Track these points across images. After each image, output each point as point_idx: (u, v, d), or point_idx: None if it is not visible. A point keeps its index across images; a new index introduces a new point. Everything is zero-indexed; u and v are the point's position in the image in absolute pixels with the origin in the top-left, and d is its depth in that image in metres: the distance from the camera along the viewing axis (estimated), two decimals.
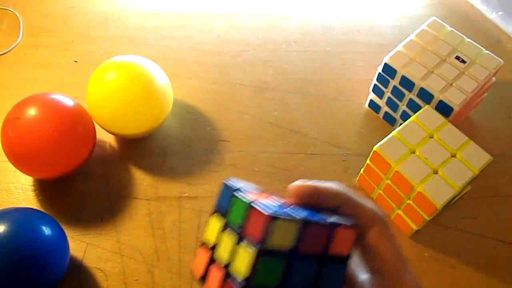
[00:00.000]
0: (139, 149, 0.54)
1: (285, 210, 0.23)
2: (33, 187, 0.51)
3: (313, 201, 0.25)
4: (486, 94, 0.57)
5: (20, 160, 0.46)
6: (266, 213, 0.22)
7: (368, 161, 0.48)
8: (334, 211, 0.25)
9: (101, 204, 0.50)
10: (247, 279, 0.22)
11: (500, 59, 0.52)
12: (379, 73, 0.53)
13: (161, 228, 0.49)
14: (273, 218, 0.22)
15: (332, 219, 0.24)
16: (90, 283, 0.45)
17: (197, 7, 0.68)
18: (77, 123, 0.47)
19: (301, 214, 0.23)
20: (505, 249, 0.49)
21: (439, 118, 0.48)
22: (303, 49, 0.64)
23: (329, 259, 0.24)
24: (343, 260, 0.24)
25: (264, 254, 0.22)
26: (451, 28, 0.54)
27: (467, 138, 0.47)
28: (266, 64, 0.62)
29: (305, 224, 0.23)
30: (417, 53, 0.52)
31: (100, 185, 0.51)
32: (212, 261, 0.25)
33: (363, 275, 0.26)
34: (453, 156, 0.46)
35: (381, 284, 0.24)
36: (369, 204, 0.25)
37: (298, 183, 0.25)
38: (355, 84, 0.60)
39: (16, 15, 0.65)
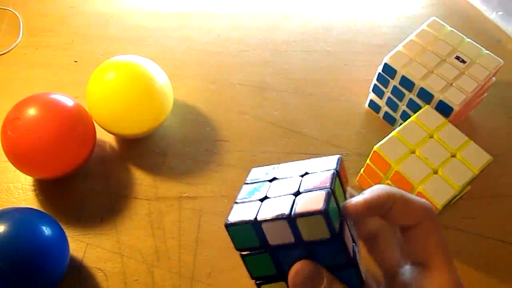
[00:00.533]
0: (139, 149, 0.54)
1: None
2: (33, 187, 0.51)
3: (370, 215, 0.25)
4: (486, 94, 0.56)
5: (20, 160, 0.46)
6: (225, 222, 0.24)
7: (368, 161, 0.48)
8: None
9: (101, 204, 0.50)
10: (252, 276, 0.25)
11: (500, 59, 0.52)
12: (379, 73, 0.53)
13: (161, 228, 0.49)
14: (228, 225, 0.24)
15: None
16: (90, 283, 0.45)
17: (197, 7, 0.68)
18: (77, 123, 0.47)
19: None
20: (505, 249, 0.49)
21: (439, 118, 0.48)
22: (303, 49, 0.64)
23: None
24: (350, 265, 0.25)
25: (245, 256, 0.25)
26: (451, 28, 0.54)
27: (467, 138, 0.47)
28: (266, 64, 0.62)
29: (256, 223, 0.24)
30: (417, 53, 0.52)
31: (100, 185, 0.51)
32: None
33: (405, 266, 0.26)
34: (453, 156, 0.46)
35: (425, 275, 0.25)
36: (418, 198, 0.25)
37: (354, 202, 0.25)
38: (355, 84, 0.60)
39: (16, 15, 0.65)
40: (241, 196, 0.26)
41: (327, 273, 0.24)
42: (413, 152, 0.46)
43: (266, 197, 0.25)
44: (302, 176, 0.26)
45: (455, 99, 0.48)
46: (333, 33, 0.66)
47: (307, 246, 0.24)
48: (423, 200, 0.26)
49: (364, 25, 0.67)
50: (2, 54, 0.61)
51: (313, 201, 0.23)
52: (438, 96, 0.49)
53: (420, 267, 0.25)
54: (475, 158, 0.45)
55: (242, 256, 0.25)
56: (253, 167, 0.29)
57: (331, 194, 0.24)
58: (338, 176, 0.26)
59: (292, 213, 0.23)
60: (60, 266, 0.42)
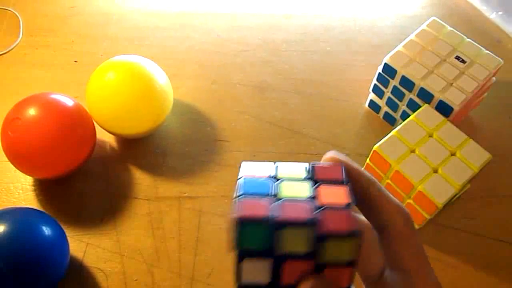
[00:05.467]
0: (139, 149, 0.54)
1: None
2: (33, 187, 0.51)
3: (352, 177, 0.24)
4: (486, 94, 0.57)
5: (20, 160, 0.46)
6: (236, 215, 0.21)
7: (368, 160, 0.48)
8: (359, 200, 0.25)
9: (101, 204, 0.50)
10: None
11: (500, 59, 0.52)
12: (379, 73, 0.53)
13: (161, 228, 0.49)
14: (241, 220, 0.21)
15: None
16: (90, 283, 0.45)
17: (197, 7, 0.68)
18: (77, 123, 0.47)
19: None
20: (505, 249, 0.49)
21: (438, 116, 0.48)
22: (303, 49, 0.64)
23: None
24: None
25: (243, 258, 0.21)
26: (451, 28, 0.54)
27: (466, 136, 0.47)
28: (266, 64, 0.62)
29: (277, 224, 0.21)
30: (417, 53, 0.52)
31: (100, 185, 0.51)
32: None
33: (386, 271, 0.26)
34: (453, 154, 0.46)
35: (404, 280, 0.24)
36: (394, 199, 0.25)
37: (332, 154, 0.24)
38: (355, 84, 0.60)
39: (16, 15, 0.65)
40: (243, 191, 0.22)
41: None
42: (413, 151, 0.46)
43: (278, 197, 0.22)
44: (313, 182, 0.23)
45: (455, 99, 0.49)
46: (333, 33, 0.66)
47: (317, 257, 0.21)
48: (398, 201, 0.25)
49: (364, 25, 0.67)
50: (2, 54, 0.61)
51: (341, 220, 0.21)
52: (438, 96, 0.49)
53: (400, 272, 0.24)
54: (474, 156, 0.46)
55: (240, 258, 0.21)
56: (243, 161, 0.25)
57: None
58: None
59: (321, 229, 0.21)
60: (60, 266, 0.42)
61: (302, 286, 0.22)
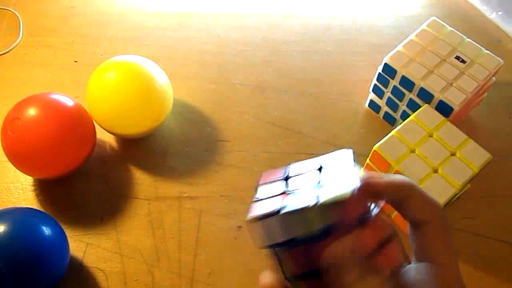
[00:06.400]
0: (139, 149, 0.54)
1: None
2: (33, 187, 0.51)
3: (376, 197, 0.26)
4: (486, 94, 0.57)
5: (20, 160, 0.46)
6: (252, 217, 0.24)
7: (368, 160, 0.48)
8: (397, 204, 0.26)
9: (101, 204, 0.50)
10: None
11: (500, 59, 0.52)
12: (379, 73, 0.53)
13: (161, 228, 0.49)
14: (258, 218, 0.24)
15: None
16: (90, 283, 0.45)
17: (197, 7, 0.68)
18: (77, 123, 0.47)
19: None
20: (505, 249, 0.49)
21: (438, 116, 0.48)
22: (303, 49, 0.64)
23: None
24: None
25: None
26: (451, 28, 0.54)
27: (466, 136, 0.47)
28: (266, 64, 0.62)
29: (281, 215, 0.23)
30: (417, 53, 0.52)
31: (100, 185, 0.51)
32: None
33: (407, 265, 0.27)
34: (453, 154, 0.46)
35: (433, 272, 0.25)
36: (432, 197, 0.26)
37: (375, 178, 0.26)
38: (355, 84, 0.60)
39: (16, 15, 0.65)
40: (256, 197, 0.26)
41: None
42: (413, 151, 0.46)
43: (287, 192, 0.25)
44: (319, 170, 0.26)
45: (455, 99, 0.49)
46: (333, 33, 0.66)
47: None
48: (434, 199, 0.26)
49: (364, 25, 0.67)
50: (2, 54, 0.61)
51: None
52: (438, 96, 0.49)
53: (427, 265, 0.26)
54: (474, 156, 0.46)
55: (276, 251, 0.24)
56: (264, 172, 0.28)
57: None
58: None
59: (316, 202, 0.23)
60: (60, 266, 0.42)
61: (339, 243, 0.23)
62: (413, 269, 0.26)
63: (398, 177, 0.26)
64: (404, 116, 0.54)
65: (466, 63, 0.51)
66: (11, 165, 0.48)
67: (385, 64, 0.52)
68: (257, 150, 0.55)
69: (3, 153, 0.47)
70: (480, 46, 0.53)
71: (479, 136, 0.49)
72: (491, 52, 0.52)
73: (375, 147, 0.46)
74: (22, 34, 0.64)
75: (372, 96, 0.57)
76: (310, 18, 0.68)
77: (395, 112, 0.55)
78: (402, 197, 0.26)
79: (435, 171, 0.45)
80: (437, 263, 0.25)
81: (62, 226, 0.44)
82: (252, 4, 0.69)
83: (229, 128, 0.56)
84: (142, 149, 0.54)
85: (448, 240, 0.26)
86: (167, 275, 0.46)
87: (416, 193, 0.26)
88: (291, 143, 0.55)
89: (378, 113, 0.58)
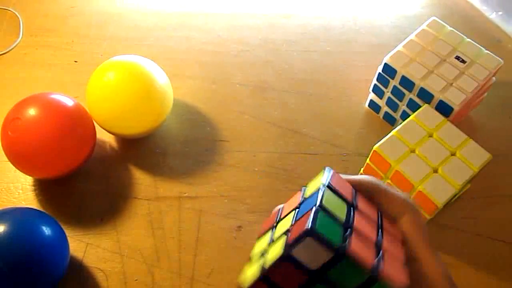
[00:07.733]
0: (139, 149, 0.54)
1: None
2: (33, 187, 0.51)
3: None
4: (486, 94, 0.57)
5: (20, 160, 0.46)
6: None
7: (368, 160, 0.48)
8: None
9: (101, 204, 0.50)
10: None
11: (500, 59, 0.52)
12: (379, 73, 0.53)
13: (161, 228, 0.49)
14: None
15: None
16: (90, 283, 0.45)
17: (197, 7, 0.68)
18: (77, 123, 0.47)
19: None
20: (505, 249, 0.49)
21: (438, 116, 0.48)
22: (303, 49, 0.64)
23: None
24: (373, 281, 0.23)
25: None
26: (451, 28, 0.54)
27: (466, 136, 0.47)
28: (266, 64, 0.62)
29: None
30: (417, 53, 0.52)
31: (100, 185, 0.51)
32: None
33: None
34: (453, 154, 0.46)
35: (414, 269, 0.25)
36: (400, 193, 0.27)
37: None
38: (355, 84, 0.60)
39: (16, 15, 0.65)
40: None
41: None
42: (413, 151, 0.46)
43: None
44: (299, 204, 0.25)
45: (455, 99, 0.49)
46: (333, 33, 0.66)
47: (322, 276, 0.22)
48: (405, 195, 0.27)
49: (364, 25, 0.67)
50: (2, 54, 0.61)
51: (302, 224, 0.22)
52: (438, 96, 0.49)
53: (412, 262, 0.25)
54: (474, 156, 0.46)
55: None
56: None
57: (318, 211, 0.22)
58: (332, 189, 0.25)
59: (287, 247, 0.22)
60: (60, 266, 0.42)
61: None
62: None
63: (363, 177, 0.27)
64: (404, 116, 0.54)
65: (466, 63, 0.51)
66: (11, 165, 0.48)
67: (385, 64, 0.52)
68: (257, 150, 0.55)
69: (3, 153, 0.47)
70: (480, 46, 0.53)
71: (479, 136, 0.49)
72: (491, 52, 0.52)
73: (375, 147, 0.46)
74: (22, 34, 0.64)
75: (372, 96, 0.57)
76: (310, 18, 0.68)
77: (395, 112, 0.55)
78: (368, 194, 0.27)
79: (435, 171, 0.45)
80: (417, 259, 0.25)
81: (62, 226, 0.44)
82: (252, 4, 0.69)
83: (229, 128, 0.56)
84: (142, 149, 0.54)
85: (422, 235, 0.26)
86: (167, 275, 0.46)
87: (382, 190, 0.27)
88: (291, 143, 0.55)
89: (378, 113, 0.58)
